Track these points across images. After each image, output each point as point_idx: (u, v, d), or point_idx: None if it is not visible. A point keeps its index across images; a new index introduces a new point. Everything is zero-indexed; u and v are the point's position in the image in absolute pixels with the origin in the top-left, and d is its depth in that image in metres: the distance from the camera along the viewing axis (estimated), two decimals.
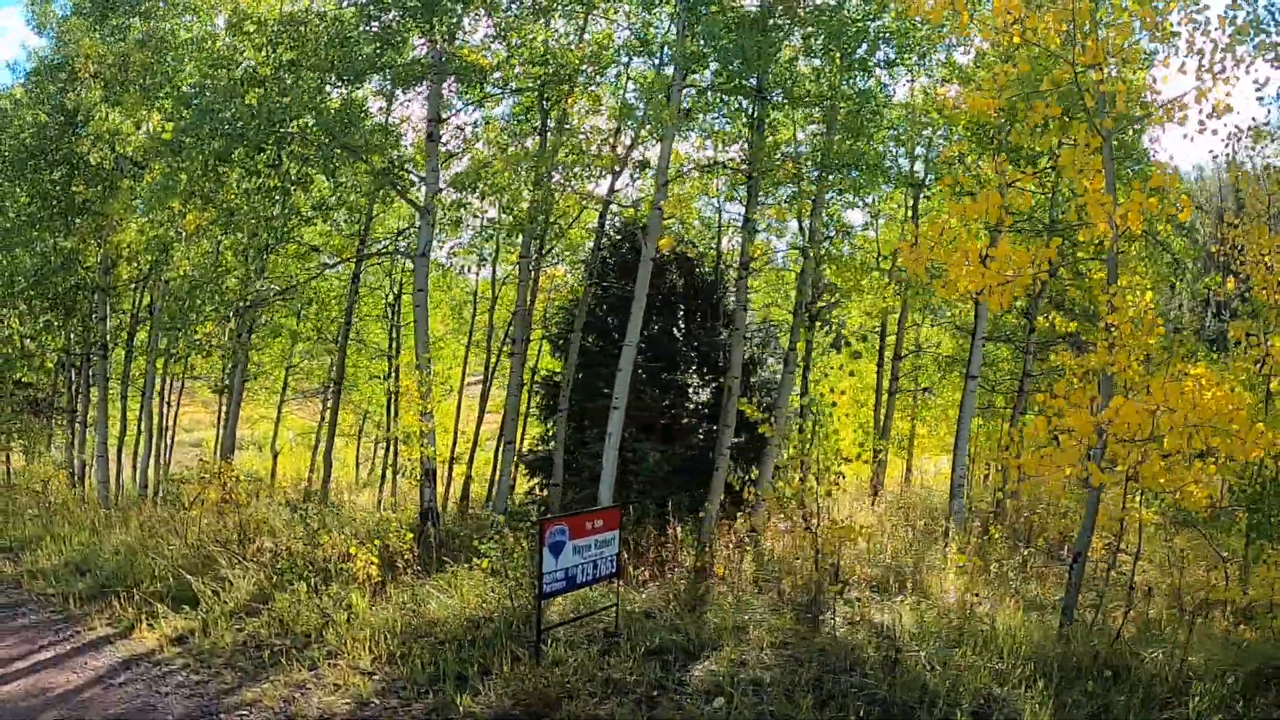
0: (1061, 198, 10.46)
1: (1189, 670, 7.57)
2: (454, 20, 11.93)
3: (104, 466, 18.27)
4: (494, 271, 20.27)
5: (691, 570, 11.65)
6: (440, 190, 13.07)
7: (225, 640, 8.84)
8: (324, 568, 10.14)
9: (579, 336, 15.58)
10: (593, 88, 14.55)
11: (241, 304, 14.05)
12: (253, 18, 12.12)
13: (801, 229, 15.26)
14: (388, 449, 22.94)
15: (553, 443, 17.64)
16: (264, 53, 11.99)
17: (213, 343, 14.66)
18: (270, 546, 10.97)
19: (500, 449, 15.13)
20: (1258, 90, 9.15)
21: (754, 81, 12.47)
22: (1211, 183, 43.39)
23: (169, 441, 21.87)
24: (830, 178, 13.42)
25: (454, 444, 20.34)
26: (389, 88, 11.73)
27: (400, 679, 7.85)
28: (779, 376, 16.12)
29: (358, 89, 12.91)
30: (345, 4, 12.32)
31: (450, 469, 19.54)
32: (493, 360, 20.38)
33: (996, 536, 12.51)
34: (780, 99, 12.79)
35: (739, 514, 15.24)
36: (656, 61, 14.01)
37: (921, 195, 17.55)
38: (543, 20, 13.18)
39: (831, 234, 14.13)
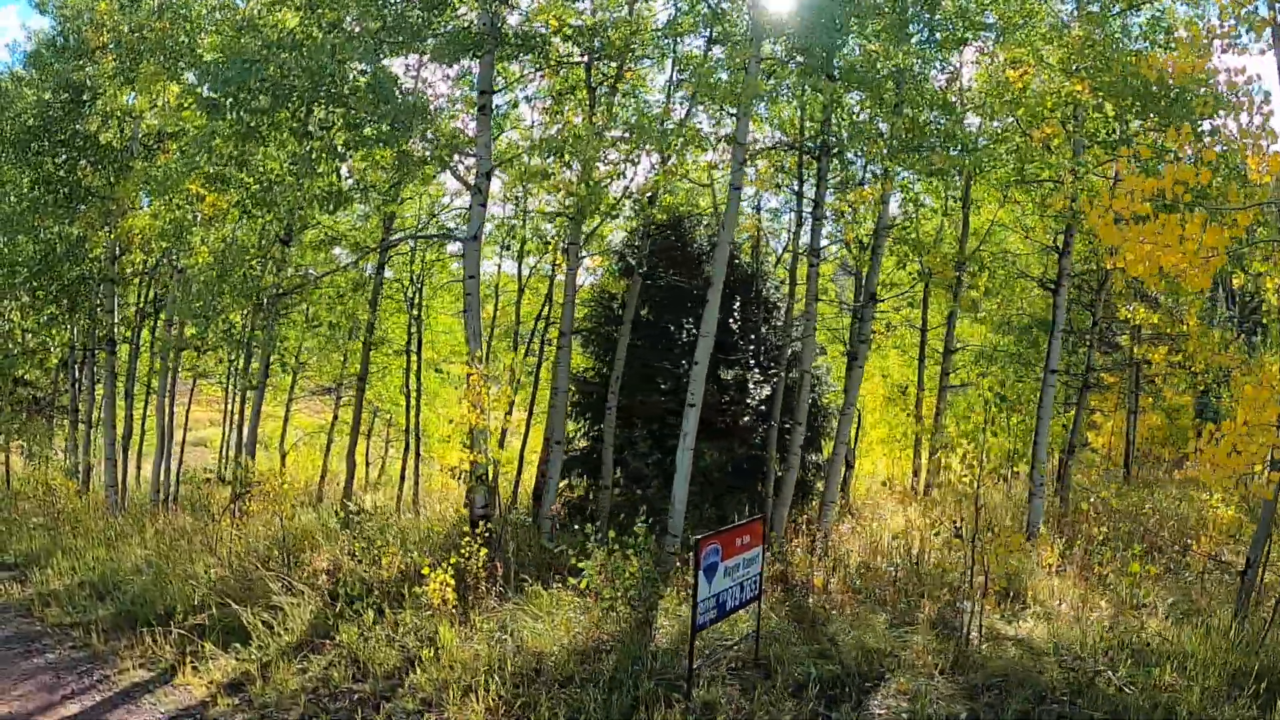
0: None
1: None
2: None
3: (112, 470, 17.07)
4: (520, 265, 19.29)
5: (777, 581, 10.71)
6: (493, 168, 11.97)
7: (290, 685, 7.56)
8: (388, 590, 9.00)
9: (628, 330, 14.58)
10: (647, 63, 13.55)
11: (275, 292, 12.85)
12: None
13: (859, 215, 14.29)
14: (407, 448, 21.80)
15: (585, 440, 16.65)
16: (303, 14, 10.88)
17: (244, 334, 13.44)
18: (325, 566, 9.75)
19: (549, 450, 14.04)
20: None
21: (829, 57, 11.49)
22: None
23: (180, 443, 20.66)
24: (912, 156, 12.42)
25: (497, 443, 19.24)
26: (446, 54, 10.52)
27: None
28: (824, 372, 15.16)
29: (404, 56, 11.78)
30: None
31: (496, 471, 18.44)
32: (519, 355, 19.30)
33: (1101, 540, 11.65)
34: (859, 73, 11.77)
35: (802, 515, 14.35)
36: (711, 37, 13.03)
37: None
38: None
39: (914, 216, 13.12)
